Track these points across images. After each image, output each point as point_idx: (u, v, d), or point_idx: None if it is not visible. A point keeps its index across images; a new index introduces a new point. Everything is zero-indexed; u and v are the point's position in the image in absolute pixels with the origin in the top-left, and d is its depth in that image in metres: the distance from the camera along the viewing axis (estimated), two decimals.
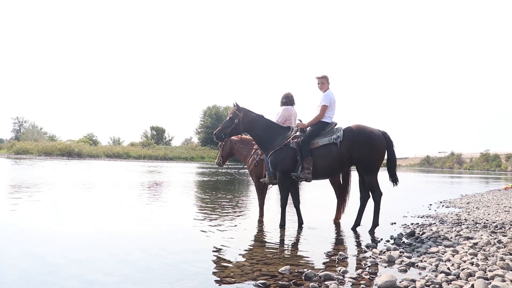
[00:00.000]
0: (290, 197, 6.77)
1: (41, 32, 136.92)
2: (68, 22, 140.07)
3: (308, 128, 6.63)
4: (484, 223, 7.20)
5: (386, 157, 6.71)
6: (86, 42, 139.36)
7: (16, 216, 6.88)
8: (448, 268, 4.10)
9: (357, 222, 6.67)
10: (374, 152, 6.37)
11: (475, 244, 5.19)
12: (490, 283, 3.49)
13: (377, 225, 6.50)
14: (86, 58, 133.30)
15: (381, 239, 5.87)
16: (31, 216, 7.00)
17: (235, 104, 6.96)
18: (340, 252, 4.89)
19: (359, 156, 6.34)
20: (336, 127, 6.59)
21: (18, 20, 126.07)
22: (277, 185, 7.14)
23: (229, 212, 8.19)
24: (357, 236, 6.24)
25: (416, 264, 4.39)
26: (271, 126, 6.86)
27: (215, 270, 4.09)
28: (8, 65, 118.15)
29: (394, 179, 6.77)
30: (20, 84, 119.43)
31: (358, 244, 5.59)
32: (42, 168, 23.95)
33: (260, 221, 7.19)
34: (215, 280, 3.74)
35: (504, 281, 3.59)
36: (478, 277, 3.66)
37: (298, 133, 6.59)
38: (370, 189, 6.54)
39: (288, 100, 7.43)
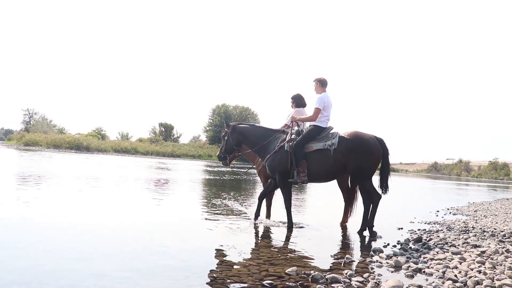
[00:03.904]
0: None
1: (54, 26, 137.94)
2: (80, 17, 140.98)
3: (303, 132, 6.66)
4: (492, 231, 7.16)
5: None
6: (98, 38, 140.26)
7: (26, 209, 6.95)
8: (455, 276, 4.09)
9: (363, 227, 6.66)
10: (370, 159, 6.38)
11: (483, 252, 5.16)
12: None
13: (372, 226, 6.50)
14: (97, 53, 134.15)
15: (388, 244, 5.86)
16: (39, 209, 7.05)
17: (225, 123, 7.36)
18: (346, 255, 4.89)
19: (355, 164, 6.36)
20: (332, 131, 6.60)
21: (31, 14, 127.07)
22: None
23: (236, 212, 8.20)
24: (363, 240, 6.22)
25: (423, 270, 4.38)
26: (264, 132, 7.03)
27: (222, 269, 4.11)
28: (20, 58, 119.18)
29: (384, 188, 6.71)
30: (31, 76, 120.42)
31: (365, 248, 5.59)
32: (52, 160, 24.13)
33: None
34: (221, 279, 3.75)
35: None
36: (486, 286, 3.65)
37: (293, 136, 6.62)
38: (368, 194, 6.55)
39: (299, 102, 7.43)
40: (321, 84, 6.77)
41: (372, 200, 6.54)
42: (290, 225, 6.66)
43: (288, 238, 6.04)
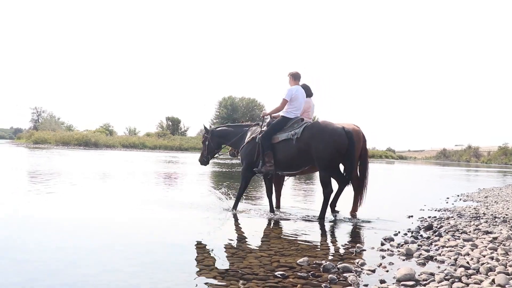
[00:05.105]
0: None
1: (60, 24, 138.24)
2: (84, 15, 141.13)
3: (271, 123, 6.87)
4: (504, 217, 7.11)
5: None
6: (104, 34, 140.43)
7: (40, 206, 7.03)
8: (468, 262, 4.07)
9: (333, 205, 6.82)
10: (330, 149, 6.38)
11: (495, 238, 5.13)
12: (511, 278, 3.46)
13: (323, 218, 6.59)
14: (103, 50, 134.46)
15: (399, 232, 5.84)
16: (52, 206, 7.14)
17: (204, 128, 7.74)
18: (357, 245, 4.90)
19: (315, 152, 6.41)
20: (302, 122, 6.69)
21: (37, 13, 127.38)
22: (293, 177, 7.25)
23: (245, 203, 8.22)
24: (374, 229, 6.21)
25: (434, 258, 4.37)
26: (239, 129, 7.46)
27: (233, 261, 4.12)
28: (27, 57, 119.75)
29: (347, 178, 6.68)
30: (38, 75, 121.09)
31: (376, 237, 5.57)
32: (62, 157, 24.31)
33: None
34: (233, 271, 3.77)
35: None
36: (499, 272, 3.63)
37: (264, 128, 6.87)
38: (322, 184, 6.62)
39: (306, 92, 7.39)
40: (294, 77, 7.01)
41: (323, 193, 6.60)
42: (235, 206, 7.12)
43: (298, 228, 6.05)
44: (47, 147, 42.64)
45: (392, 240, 5.27)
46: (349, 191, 7.07)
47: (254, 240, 5.17)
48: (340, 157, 6.54)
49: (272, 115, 7.07)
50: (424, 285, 3.48)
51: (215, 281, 3.51)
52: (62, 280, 3.38)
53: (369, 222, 6.66)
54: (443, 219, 7.07)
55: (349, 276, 3.67)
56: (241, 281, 3.50)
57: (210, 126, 7.77)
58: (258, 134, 6.91)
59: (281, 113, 6.89)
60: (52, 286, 3.24)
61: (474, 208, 8.65)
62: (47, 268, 3.69)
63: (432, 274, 3.70)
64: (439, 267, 4.04)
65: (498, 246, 4.69)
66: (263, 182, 7.48)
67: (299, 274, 3.72)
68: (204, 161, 7.78)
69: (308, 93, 7.39)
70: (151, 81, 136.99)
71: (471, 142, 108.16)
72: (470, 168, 47.67)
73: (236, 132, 7.44)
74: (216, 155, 7.93)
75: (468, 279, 3.58)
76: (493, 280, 3.45)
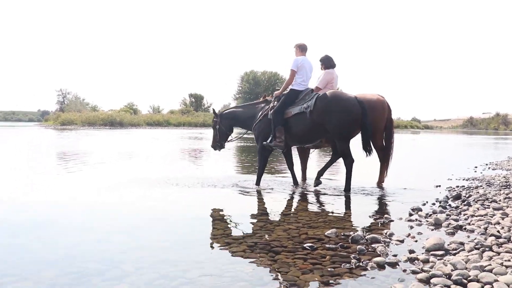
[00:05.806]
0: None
1: (82, 5, 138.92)
2: None
3: (281, 98, 6.78)
4: None
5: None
6: (126, 14, 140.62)
7: (72, 188, 7.23)
8: (498, 231, 4.03)
9: (320, 172, 6.85)
10: (345, 119, 6.29)
11: None
12: None
13: (349, 190, 6.53)
14: (125, 30, 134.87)
15: (427, 202, 5.79)
16: (82, 187, 7.33)
17: (213, 112, 7.72)
18: (385, 215, 4.89)
19: (330, 123, 6.32)
20: (313, 94, 6.59)
21: None
22: (318, 149, 7.21)
23: (271, 176, 8.26)
24: (402, 199, 6.17)
25: (464, 227, 4.33)
26: (248, 108, 7.44)
27: (262, 234, 4.17)
28: (50, 40, 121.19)
29: (367, 150, 6.61)
30: (62, 57, 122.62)
31: (403, 207, 5.54)
32: (89, 137, 24.78)
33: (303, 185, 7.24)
34: (262, 244, 3.82)
35: None
36: None
37: (275, 103, 6.79)
38: (342, 156, 6.57)
39: (328, 64, 7.30)
40: (301, 49, 6.93)
41: (345, 164, 6.57)
42: (257, 183, 7.06)
43: (324, 201, 6.07)
44: (74, 128, 43.50)
45: (420, 210, 5.23)
46: (375, 162, 7.02)
47: (281, 213, 5.22)
48: (355, 127, 6.50)
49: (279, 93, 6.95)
50: (454, 254, 3.46)
51: (244, 254, 3.57)
52: (95, 257, 3.47)
53: (396, 192, 6.62)
54: (471, 188, 6.97)
55: (377, 246, 3.68)
56: (270, 254, 3.55)
57: (229, 104, 7.83)
58: (269, 110, 6.84)
59: (289, 87, 6.81)
60: (86, 262, 3.34)
61: (504, 177, 8.49)
62: (81, 246, 3.80)
63: (462, 244, 3.68)
64: (468, 237, 4.01)
65: None
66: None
67: (327, 245, 3.74)
68: (217, 145, 7.66)
69: (331, 64, 7.30)
70: (173, 59, 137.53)
71: (499, 110, 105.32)
72: (499, 136, 46.57)
73: (245, 112, 7.38)
74: (229, 140, 7.80)
75: (499, 248, 3.54)
76: None
